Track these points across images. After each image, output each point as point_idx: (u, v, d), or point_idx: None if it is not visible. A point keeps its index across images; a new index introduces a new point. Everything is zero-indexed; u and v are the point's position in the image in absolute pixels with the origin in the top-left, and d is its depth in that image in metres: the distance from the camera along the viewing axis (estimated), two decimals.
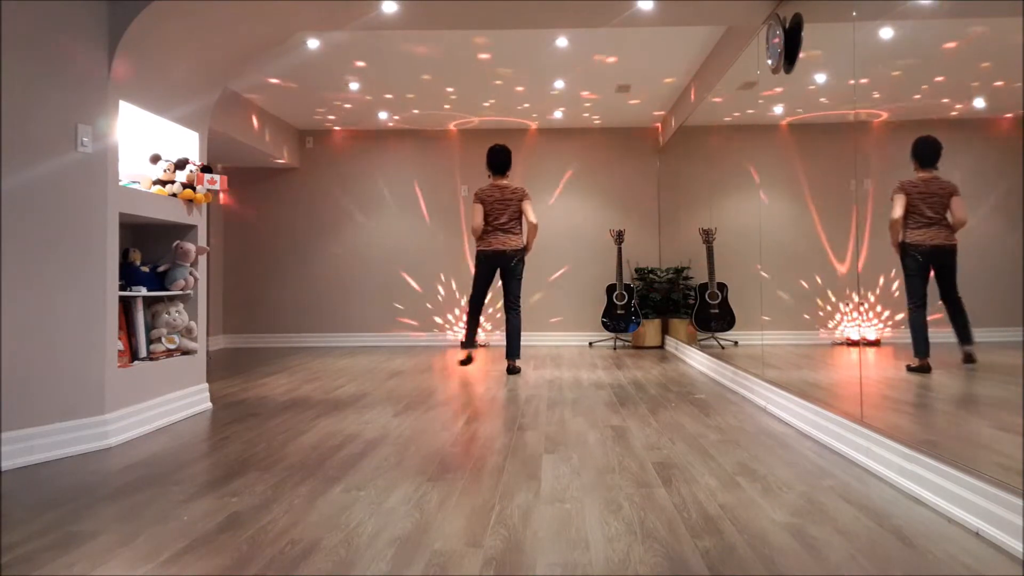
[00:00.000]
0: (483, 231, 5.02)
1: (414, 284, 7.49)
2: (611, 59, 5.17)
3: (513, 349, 5.09)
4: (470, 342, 5.18)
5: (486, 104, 6.46)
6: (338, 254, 7.54)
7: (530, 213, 4.97)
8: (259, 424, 3.33)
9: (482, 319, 5.43)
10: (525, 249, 5.07)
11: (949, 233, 2.48)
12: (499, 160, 5.08)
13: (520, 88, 5.91)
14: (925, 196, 2.60)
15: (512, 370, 5.10)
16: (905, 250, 2.69)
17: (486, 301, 5.27)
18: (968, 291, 2.29)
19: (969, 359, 2.53)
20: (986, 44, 2.04)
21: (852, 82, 2.74)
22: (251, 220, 7.57)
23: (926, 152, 2.60)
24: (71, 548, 1.79)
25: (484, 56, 5.09)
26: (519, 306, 5.09)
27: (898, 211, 2.69)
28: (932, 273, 2.64)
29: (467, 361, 5.24)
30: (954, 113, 2.24)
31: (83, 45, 2.91)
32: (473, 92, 6.05)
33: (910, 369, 2.85)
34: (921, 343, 2.74)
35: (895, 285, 2.68)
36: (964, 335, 2.49)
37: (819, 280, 3.25)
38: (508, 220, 4.99)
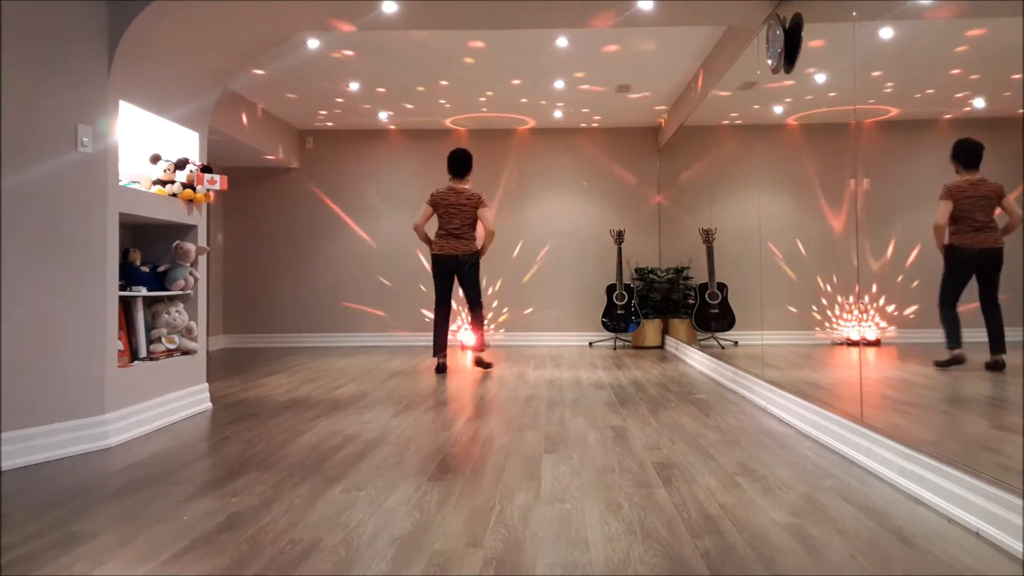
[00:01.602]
0: (436, 235, 5.07)
1: (414, 284, 7.49)
2: (611, 59, 5.17)
3: (482, 342, 5.19)
4: (440, 350, 5.14)
5: (484, 103, 6.46)
6: (338, 254, 7.53)
7: (488, 220, 5.00)
8: (259, 424, 3.33)
9: (452, 326, 5.46)
10: (479, 253, 5.09)
11: (998, 236, 2.46)
12: (459, 164, 5.11)
13: (519, 88, 5.91)
14: (974, 199, 2.57)
15: (480, 363, 5.17)
16: (952, 252, 2.67)
17: (453, 307, 5.29)
18: (970, 290, 2.29)
19: (998, 366, 2.52)
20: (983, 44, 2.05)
21: (851, 82, 2.74)
22: (251, 220, 7.57)
23: (969, 154, 2.58)
24: (71, 548, 1.79)
25: (484, 56, 5.09)
26: (479, 302, 5.13)
27: (943, 217, 2.67)
28: (975, 277, 2.63)
29: (442, 369, 5.15)
30: (948, 116, 2.24)
31: (83, 45, 2.91)
32: (472, 92, 6.05)
33: (939, 364, 2.83)
34: (955, 334, 2.71)
35: (898, 282, 2.68)
36: (1000, 343, 2.48)
37: (818, 280, 3.25)
38: (461, 225, 5.02)
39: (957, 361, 2.82)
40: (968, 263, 2.63)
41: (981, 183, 2.57)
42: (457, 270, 5.04)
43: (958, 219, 2.67)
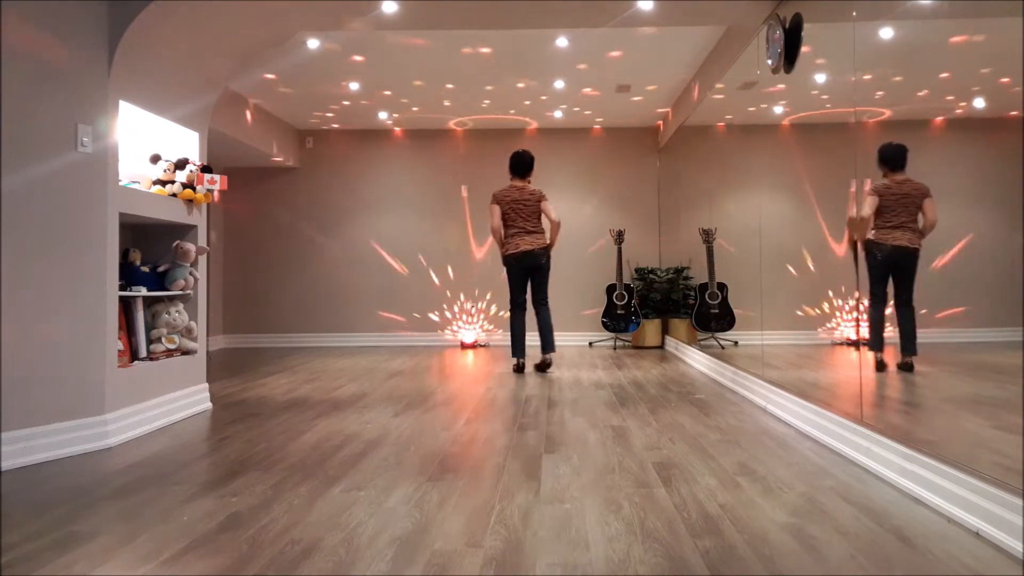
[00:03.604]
0: (508, 234, 5.09)
1: (414, 284, 7.49)
2: (611, 59, 5.17)
3: (548, 343, 5.14)
4: (518, 350, 5.16)
5: (485, 104, 6.46)
6: (338, 254, 7.53)
7: (551, 212, 5.06)
8: (259, 424, 3.33)
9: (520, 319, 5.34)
10: (549, 247, 5.11)
11: (914, 236, 2.54)
12: (521, 164, 5.14)
13: (520, 87, 5.91)
14: (899, 198, 2.67)
15: (545, 364, 5.14)
16: (868, 248, 2.76)
17: (527, 303, 5.23)
18: (969, 291, 2.29)
19: (907, 367, 2.62)
20: (983, 44, 2.05)
21: (852, 80, 2.74)
22: (251, 220, 7.57)
23: (895, 156, 2.69)
24: (71, 548, 1.79)
25: (484, 55, 5.09)
26: (547, 301, 5.14)
27: (867, 210, 2.76)
28: (891, 276, 2.72)
29: (520, 369, 5.17)
30: (959, 111, 2.24)
31: (83, 45, 2.91)
32: (473, 92, 6.05)
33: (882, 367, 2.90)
34: (878, 338, 2.82)
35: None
36: (910, 346, 2.58)
37: (820, 280, 3.25)
38: (530, 220, 5.06)
39: (880, 366, 2.90)
40: (883, 260, 2.71)
41: (906, 182, 2.66)
42: (534, 264, 5.05)
43: (880, 215, 2.75)
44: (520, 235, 5.04)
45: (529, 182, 5.16)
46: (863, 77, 2.65)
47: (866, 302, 2.86)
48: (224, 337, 7.50)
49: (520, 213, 5.04)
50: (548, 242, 5.10)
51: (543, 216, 5.11)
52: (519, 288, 5.11)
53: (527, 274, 5.09)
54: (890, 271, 2.69)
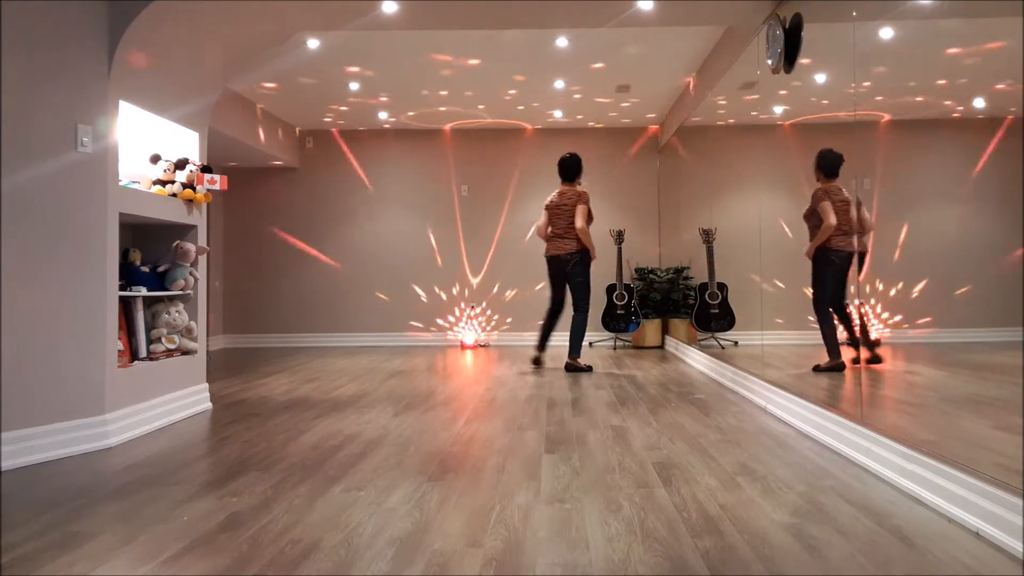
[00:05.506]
0: (547, 237, 5.20)
1: (413, 284, 7.49)
2: (611, 59, 5.17)
3: (571, 347, 5.19)
4: (539, 346, 5.31)
5: (486, 104, 6.46)
6: (338, 254, 7.53)
7: (577, 218, 5.02)
8: (259, 424, 3.33)
9: (556, 325, 5.32)
10: (580, 252, 5.06)
11: (859, 240, 2.65)
12: (563, 167, 5.21)
13: (519, 88, 5.91)
14: (839, 204, 2.77)
15: (568, 367, 5.18)
16: (827, 255, 2.86)
17: (563, 307, 5.28)
18: (968, 290, 2.29)
19: (855, 361, 2.75)
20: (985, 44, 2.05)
21: (852, 84, 2.74)
22: (251, 220, 7.57)
23: (835, 164, 2.80)
24: (71, 548, 1.79)
25: (484, 55, 5.09)
26: (582, 307, 5.17)
27: (835, 217, 2.86)
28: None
29: (536, 362, 5.32)
30: (956, 115, 2.24)
31: (83, 45, 2.91)
32: (473, 92, 6.04)
33: (819, 369, 3.00)
34: (836, 343, 2.95)
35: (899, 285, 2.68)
36: (855, 338, 2.72)
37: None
38: (564, 225, 5.09)
39: (841, 367, 3.00)
40: (843, 265, 2.82)
41: (840, 190, 2.78)
42: (560, 270, 5.14)
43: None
44: (551, 239, 5.15)
45: (577, 185, 5.17)
46: (862, 80, 2.66)
47: (830, 309, 2.97)
48: (224, 337, 7.50)
49: (554, 217, 5.12)
50: (575, 248, 5.05)
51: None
52: (552, 288, 5.25)
53: (558, 278, 5.20)
54: (843, 275, 2.82)
